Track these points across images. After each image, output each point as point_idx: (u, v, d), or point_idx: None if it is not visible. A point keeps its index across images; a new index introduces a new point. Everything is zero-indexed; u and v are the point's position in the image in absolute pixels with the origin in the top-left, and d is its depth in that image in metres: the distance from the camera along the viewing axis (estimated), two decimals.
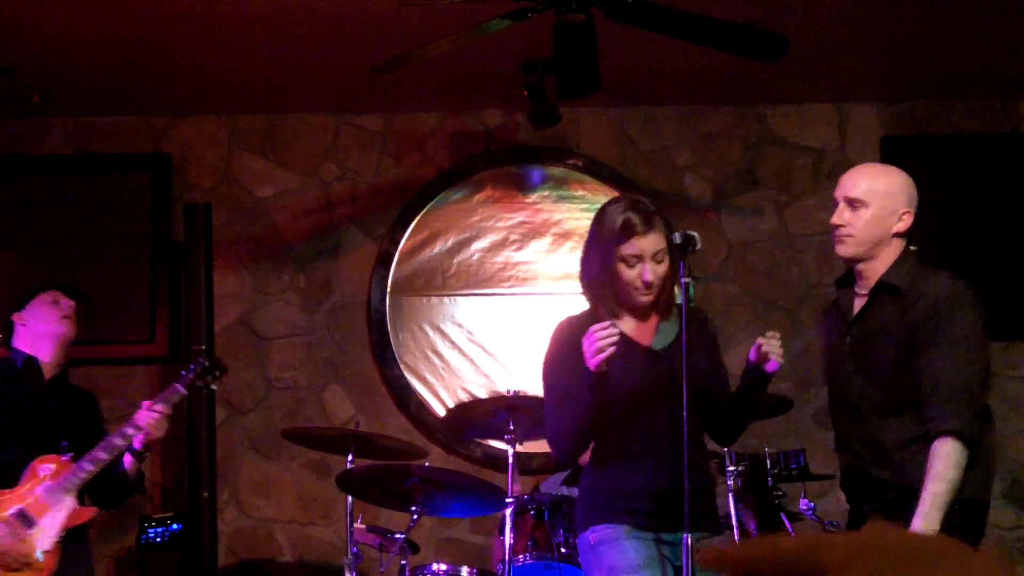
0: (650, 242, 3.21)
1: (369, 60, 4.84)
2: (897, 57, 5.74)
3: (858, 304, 3.36)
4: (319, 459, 5.90)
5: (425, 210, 6.18)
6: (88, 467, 4.01)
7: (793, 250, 6.16)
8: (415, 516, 4.50)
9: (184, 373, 4.24)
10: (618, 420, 3.24)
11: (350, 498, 4.74)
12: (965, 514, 3.09)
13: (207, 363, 4.30)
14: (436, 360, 6.09)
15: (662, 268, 3.24)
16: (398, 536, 4.60)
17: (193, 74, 5.73)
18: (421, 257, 6.16)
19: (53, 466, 4.03)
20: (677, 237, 3.11)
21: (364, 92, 5.95)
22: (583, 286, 3.39)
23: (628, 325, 3.31)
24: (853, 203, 3.31)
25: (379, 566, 4.96)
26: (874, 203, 3.30)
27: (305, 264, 6.18)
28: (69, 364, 4.43)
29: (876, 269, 3.32)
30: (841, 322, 3.41)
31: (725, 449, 4.73)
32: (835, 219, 3.33)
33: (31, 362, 4.26)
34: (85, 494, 4.19)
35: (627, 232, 3.20)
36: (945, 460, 3.06)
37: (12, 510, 3.94)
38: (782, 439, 5.17)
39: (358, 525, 4.70)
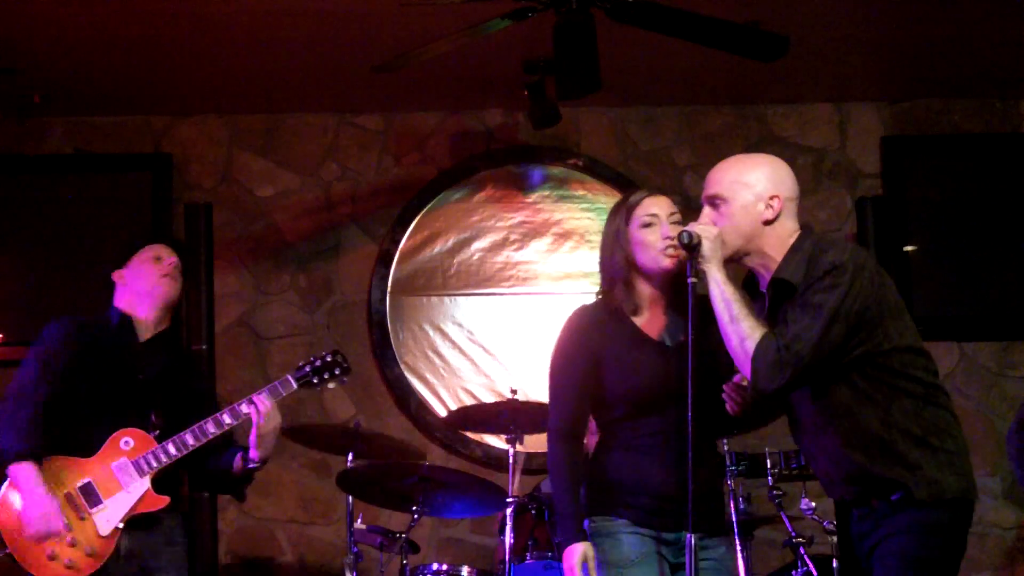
0: (663, 204, 3.31)
1: (369, 60, 4.84)
2: (897, 57, 5.75)
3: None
4: (319, 459, 5.90)
5: (425, 210, 6.18)
6: (172, 451, 3.71)
7: None
8: (415, 516, 4.50)
9: (302, 365, 3.90)
10: (625, 417, 3.24)
11: (350, 498, 4.74)
12: (952, 514, 3.04)
13: (329, 358, 3.91)
14: (436, 360, 6.09)
15: (679, 228, 3.24)
16: (399, 536, 4.60)
17: (193, 74, 5.73)
18: (421, 257, 6.16)
19: (133, 441, 3.73)
20: (684, 236, 3.09)
21: (364, 92, 5.95)
22: (601, 277, 3.38)
23: (640, 317, 3.31)
24: (714, 201, 3.15)
25: (379, 566, 4.97)
26: (735, 195, 3.11)
27: (305, 264, 6.19)
28: (173, 326, 4.04)
29: (768, 264, 3.13)
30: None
31: (726, 449, 4.73)
32: (700, 223, 3.15)
33: (126, 321, 3.91)
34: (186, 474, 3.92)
35: (639, 196, 3.33)
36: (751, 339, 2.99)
37: (80, 482, 3.69)
38: (782, 439, 5.15)
39: (358, 525, 4.70)
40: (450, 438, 5.98)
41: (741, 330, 3.02)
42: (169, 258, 3.97)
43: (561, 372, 3.31)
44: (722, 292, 3.06)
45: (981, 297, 6.08)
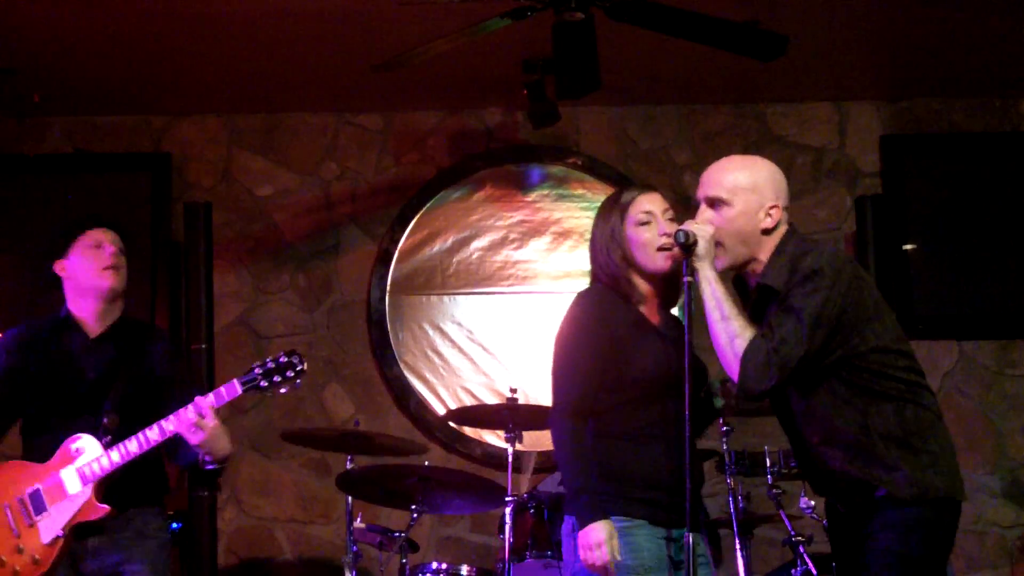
0: (656, 200, 3.32)
1: (369, 60, 4.85)
2: (897, 57, 5.75)
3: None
4: (319, 458, 5.91)
5: (425, 209, 6.19)
6: (115, 458, 3.62)
7: None
8: (415, 515, 4.50)
9: (252, 367, 3.65)
10: (630, 402, 3.22)
11: (350, 497, 4.74)
12: (937, 512, 3.03)
13: (283, 360, 3.64)
14: (436, 359, 6.09)
15: (675, 226, 3.23)
16: (398, 535, 4.60)
17: (193, 74, 5.73)
18: (421, 256, 6.16)
19: (83, 448, 3.66)
20: (680, 235, 3.09)
21: (364, 92, 5.95)
22: (598, 273, 3.37)
23: (643, 307, 3.32)
24: (715, 203, 3.13)
25: (379, 565, 4.97)
26: (736, 200, 3.11)
27: (305, 263, 6.19)
28: (123, 317, 3.88)
29: (757, 268, 3.14)
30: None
31: (725, 448, 4.73)
32: (697, 221, 3.15)
33: (71, 321, 3.81)
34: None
35: (632, 194, 3.34)
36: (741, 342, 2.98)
37: (30, 489, 3.66)
38: (782, 438, 5.15)
39: (358, 524, 4.70)
40: (450, 437, 5.99)
41: (732, 329, 3.02)
42: (109, 246, 3.82)
43: (577, 347, 3.25)
44: (713, 291, 3.07)
45: (981, 296, 6.08)
